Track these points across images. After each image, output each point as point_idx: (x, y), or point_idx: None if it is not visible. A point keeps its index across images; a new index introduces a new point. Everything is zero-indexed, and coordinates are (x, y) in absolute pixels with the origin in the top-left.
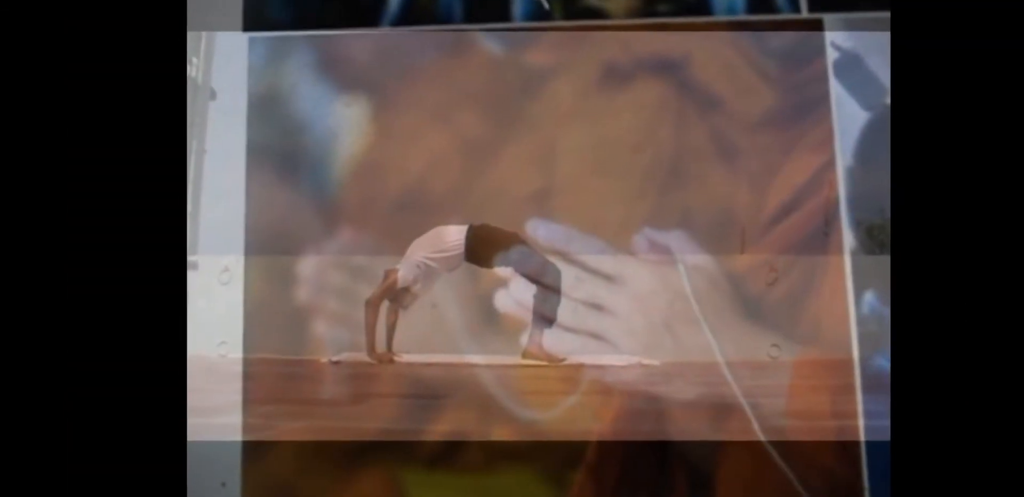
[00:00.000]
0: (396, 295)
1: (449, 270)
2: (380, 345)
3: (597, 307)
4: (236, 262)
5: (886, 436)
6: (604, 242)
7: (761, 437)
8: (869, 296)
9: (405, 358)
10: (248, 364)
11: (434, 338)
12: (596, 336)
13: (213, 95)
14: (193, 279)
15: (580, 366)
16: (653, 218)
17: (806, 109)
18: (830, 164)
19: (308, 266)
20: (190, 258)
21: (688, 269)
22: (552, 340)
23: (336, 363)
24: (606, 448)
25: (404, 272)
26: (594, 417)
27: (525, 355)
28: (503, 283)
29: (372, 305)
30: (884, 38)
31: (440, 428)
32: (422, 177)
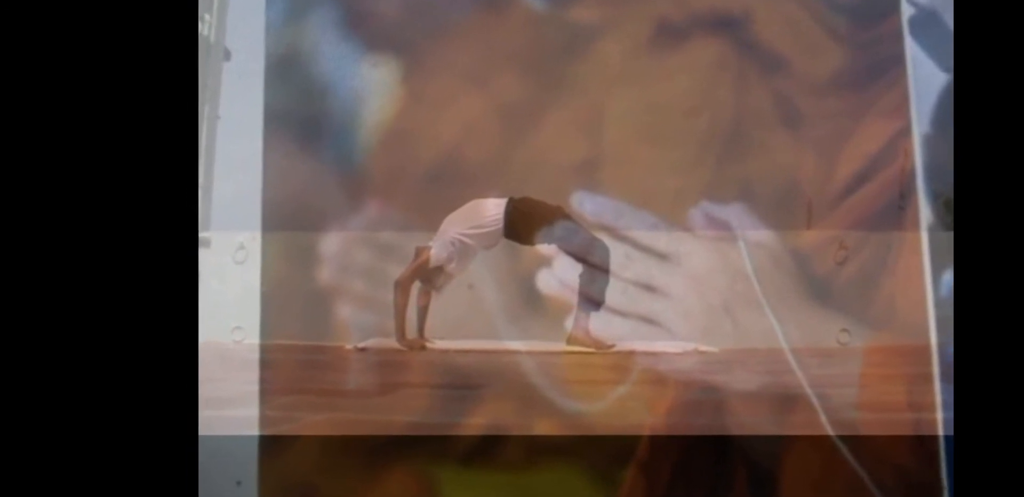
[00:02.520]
0: (428, 275)
1: (487, 248)
2: (411, 330)
3: (649, 288)
4: (252, 239)
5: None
6: (657, 217)
7: (829, 431)
8: (948, 276)
9: (438, 344)
10: (266, 351)
11: (470, 322)
12: (648, 320)
13: (227, 56)
14: (205, 258)
15: (631, 353)
16: (711, 190)
17: (879, 70)
18: (905, 131)
19: (331, 243)
20: (202, 235)
21: (749, 246)
22: (600, 324)
23: (362, 350)
24: (659, 443)
25: (437, 250)
26: (646, 409)
27: (570, 341)
28: (546, 262)
29: (402, 286)
30: None
31: (477, 421)
32: (457, 145)
